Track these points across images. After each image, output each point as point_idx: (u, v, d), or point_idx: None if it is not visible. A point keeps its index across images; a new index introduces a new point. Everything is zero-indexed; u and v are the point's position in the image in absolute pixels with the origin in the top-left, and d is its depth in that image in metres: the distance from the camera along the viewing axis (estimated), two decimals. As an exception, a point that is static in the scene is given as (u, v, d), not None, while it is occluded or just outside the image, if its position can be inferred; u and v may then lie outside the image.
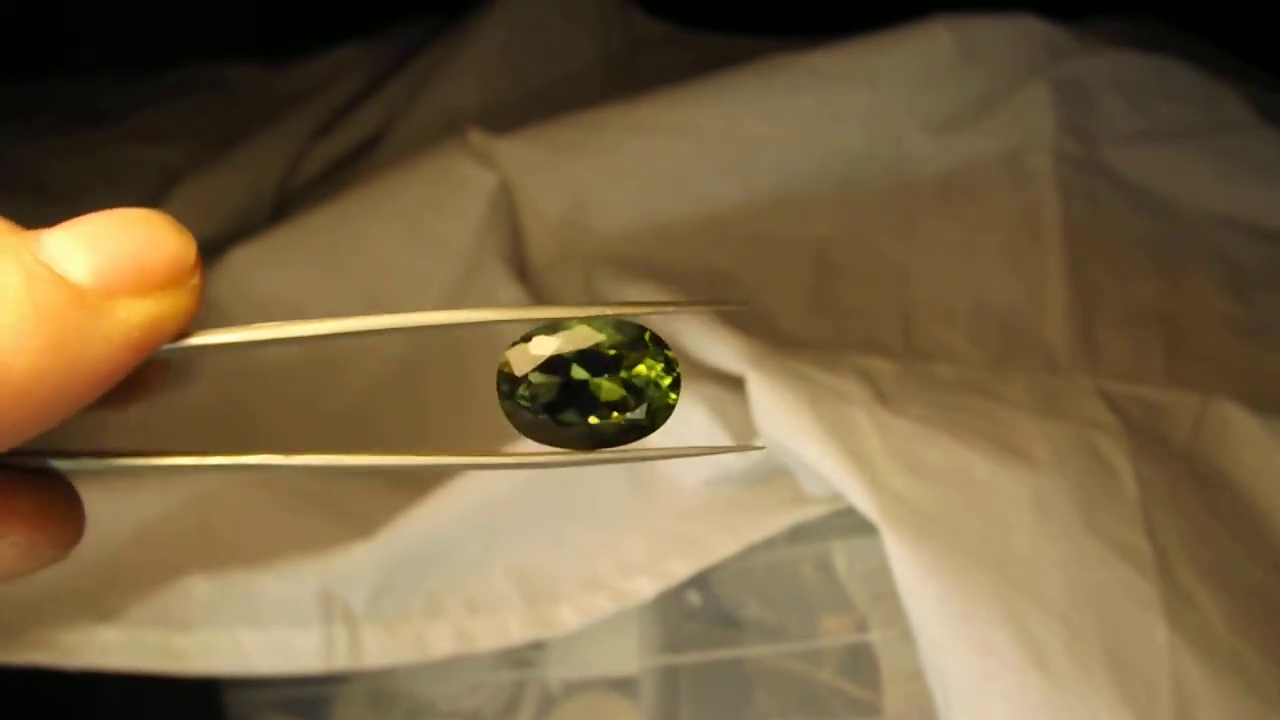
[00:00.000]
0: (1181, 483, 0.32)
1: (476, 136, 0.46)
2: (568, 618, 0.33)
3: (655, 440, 0.15)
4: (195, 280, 0.14)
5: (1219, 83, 0.47)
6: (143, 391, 0.15)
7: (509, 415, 0.15)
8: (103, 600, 0.32)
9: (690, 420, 0.34)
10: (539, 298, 0.43)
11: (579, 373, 0.15)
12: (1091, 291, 0.42)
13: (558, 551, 0.34)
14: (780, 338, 0.40)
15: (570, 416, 0.15)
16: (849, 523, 0.32)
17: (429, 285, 0.44)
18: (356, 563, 0.33)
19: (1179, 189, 0.46)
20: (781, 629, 0.34)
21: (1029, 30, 0.48)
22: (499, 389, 0.15)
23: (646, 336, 0.15)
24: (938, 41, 0.47)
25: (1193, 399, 0.36)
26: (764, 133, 0.47)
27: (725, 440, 0.33)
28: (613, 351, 0.15)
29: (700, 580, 0.35)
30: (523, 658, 0.36)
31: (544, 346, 0.15)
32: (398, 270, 0.45)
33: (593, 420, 0.15)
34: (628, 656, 0.35)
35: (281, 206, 0.52)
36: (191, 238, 0.14)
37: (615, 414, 0.15)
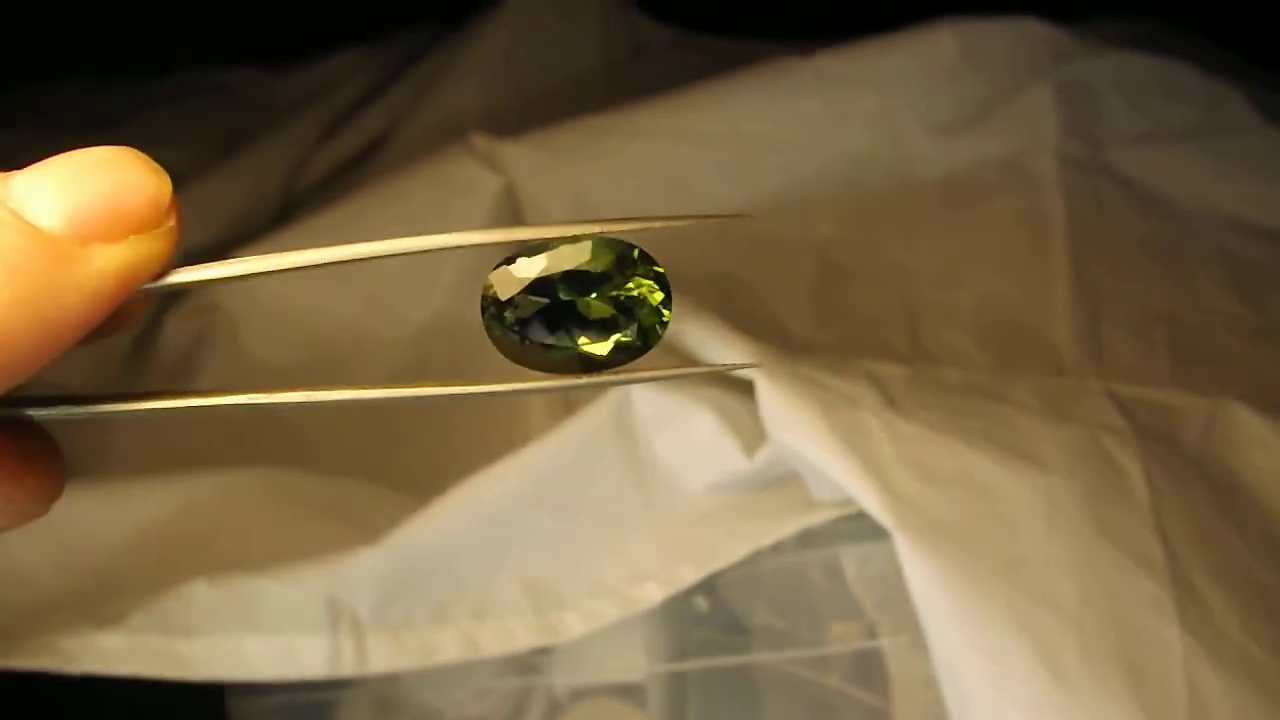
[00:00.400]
0: (1191, 485, 0.32)
1: (480, 140, 0.46)
2: (574, 624, 0.33)
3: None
4: (171, 222, 0.13)
5: (1221, 83, 0.47)
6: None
7: (496, 341, 0.14)
8: (104, 606, 0.32)
9: (698, 426, 0.34)
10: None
11: (566, 293, 0.14)
12: (1096, 293, 0.42)
13: (564, 557, 0.34)
14: (787, 341, 0.40)
15: (559, 339, 0.14)
16: (857, 528, 0.32)
17: (433, 289, 0.44)
18: (362, 569, 0.33)
19: (1183, 190, 0.46)
20: (790, 635, 0.34)
21: (1031, 32, 0.48)
22: (484, 312, 0.14)
23: (635, 254, 0.14)
24: (940, 44, 0.47)
25: (1201, 400, 0.36)
26: (767, 136, 0.47)
27: (734, 445, 0.33)
28: (600, 271, 0.14)
29: (708, 586, 0.34)
30: (529, 664, 0.36)
31: (529, 268, 0.14)
32: (402, 274, 0.45)
33: (582, 341, 0.14)
34: (635, 663, 0.35)
35: (285, 210, 0.52)
36: (166, 177, 0.13)
37: (605, 334, 0.14)
